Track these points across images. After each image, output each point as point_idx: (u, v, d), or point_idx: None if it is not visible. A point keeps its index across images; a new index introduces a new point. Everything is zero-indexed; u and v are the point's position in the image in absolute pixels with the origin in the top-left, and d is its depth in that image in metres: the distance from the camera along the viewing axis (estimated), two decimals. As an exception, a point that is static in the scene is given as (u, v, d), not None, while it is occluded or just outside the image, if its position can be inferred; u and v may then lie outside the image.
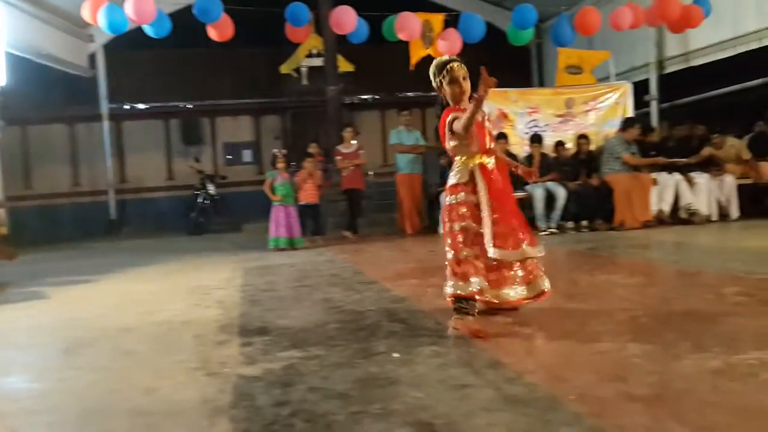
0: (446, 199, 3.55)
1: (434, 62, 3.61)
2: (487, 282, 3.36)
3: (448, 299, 3.41)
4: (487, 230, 3.33)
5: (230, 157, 16.06)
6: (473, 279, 3.29)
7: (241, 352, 3.12)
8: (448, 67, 3.49)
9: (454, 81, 3.47)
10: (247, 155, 16.09)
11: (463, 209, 3.40)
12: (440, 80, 3.53)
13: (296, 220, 8.41)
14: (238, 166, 15.86)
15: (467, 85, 3.50)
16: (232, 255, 8.13)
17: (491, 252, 3.32)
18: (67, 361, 3.28)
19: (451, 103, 3.52)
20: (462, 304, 3.31)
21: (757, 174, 8.94)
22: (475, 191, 3.42)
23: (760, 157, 9.17)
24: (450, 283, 3.39)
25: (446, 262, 3.45)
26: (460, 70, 3.49)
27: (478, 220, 3.38)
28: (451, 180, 3.52)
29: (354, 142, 9.61)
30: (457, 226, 3.40)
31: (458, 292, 3.32)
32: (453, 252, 3.40)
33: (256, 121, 16.27)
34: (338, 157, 9.49)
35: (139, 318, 4.21)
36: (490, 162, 3.48)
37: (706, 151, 8.97)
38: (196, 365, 2.95)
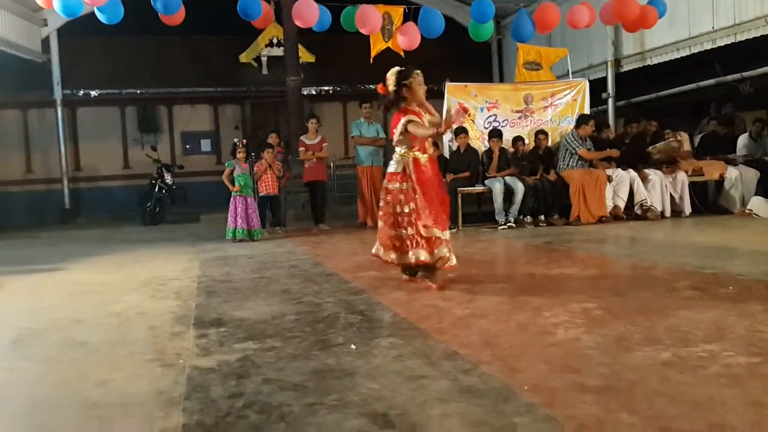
0: (385, 183, 4.46)
1: (399, 69, 4.37)
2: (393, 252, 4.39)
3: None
4: (424, 212, 4.24)
5: (188, 146, 15.85)
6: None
7: (196, 344, 3.08)
8: (417, 71, 4.32)
9: (421, 83, 4.32)
10: (205, 145, 15.90)
11: (398, 194, 4.32)
12: (410, 81, 4.30)
13: (255, 211, 8.33)
14: (196, 156, 15.66)
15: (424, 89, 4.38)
16: (189, 246, 8.02)
17: (422, 230, 4.22)
18: (17, 352, 3.20)
19: (407, 104, 4.35)
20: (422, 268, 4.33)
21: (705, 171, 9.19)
22: (405, 179, 4.32)
23: (710, 155, 9.42)
24: (383, 251, 4.48)
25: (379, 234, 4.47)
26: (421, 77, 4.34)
27: (406, 203, 4.30)
28: (390, 168, 4.44)
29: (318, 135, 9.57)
30: (390, 208, 4.36)
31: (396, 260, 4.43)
32: (388, 226, 4.38)
33: (215, 111, 16.07)
34: (301, 149, 9.41)
35: (93, 309, 4.13)
36: (422, 157, 4.35)
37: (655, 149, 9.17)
38: (151, 357, 2.91)
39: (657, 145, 9.14)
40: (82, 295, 4.76)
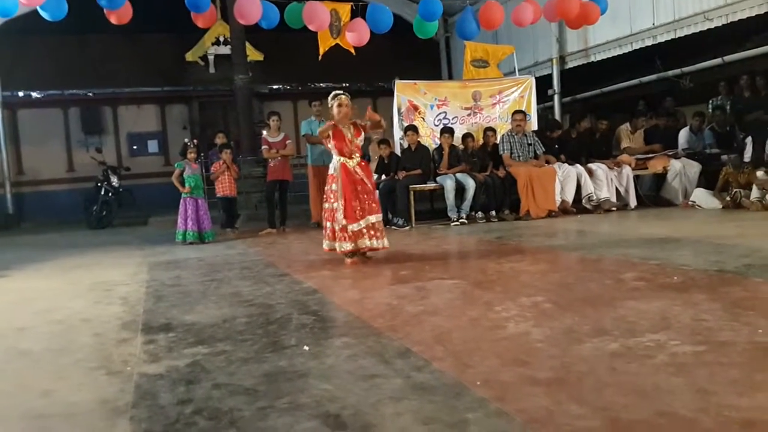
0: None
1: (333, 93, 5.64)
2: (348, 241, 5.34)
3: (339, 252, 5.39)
4: (340, 208, 5.31)
5: (135, 147, 15.52)
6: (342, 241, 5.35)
7: (144, 350, 3.01)
8: (337, 96, 5.54)
9: (341, 105, 5.51)
10: (152, 146, 15.59)
11: (329, 193, 5.45)
12: (330, 105, 5.59)
13: (206, 212, 8.20)
14: (143, 157, 15.35)
15: (344, 109, 5.52)
16: (137, 249, 7.86)
17: (341, 222, 5.29)
18: (-47, 365, 3.06)
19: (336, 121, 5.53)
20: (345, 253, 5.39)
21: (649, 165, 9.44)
22: (334, 180, 5.42)
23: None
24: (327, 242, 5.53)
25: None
26: (346, 100, 5.53)
27: (335, 200, 5.38)
28: (329, 171, 5.54)
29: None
30: (327, 204, 5.47)
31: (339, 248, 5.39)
32: (329, 222, 5.44)
33: (162, 111, 15.78)
34: (265, 147, 9.18)
35: (36, 316, 4.01)
36: (349, 162, 5.43)
37: (624, 158, 9.39)
38: (96, 365, 2.83)
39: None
40: (25, 302, 4.62)
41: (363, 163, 5.60)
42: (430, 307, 3.58)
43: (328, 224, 5.46)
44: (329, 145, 5.53)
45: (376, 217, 5.44)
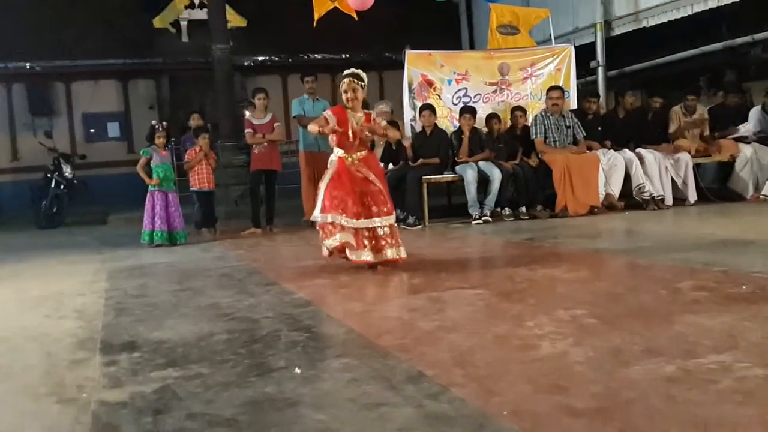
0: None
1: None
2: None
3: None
4: (319, 202, 5.35)
5: (92, 131, 15.57)
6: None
7: (103, 373, 3.02)
8: (348, 74, 5.46)
9: (349, 88, 5.43)
10: (113, 129, 15.66)
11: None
12: (340, 84, 5.55)
13: (178, 209, 8.22)
14: (101, 143, 15.43)
15: (359, 94, 5.47)
16: (95, 253, 7.90)
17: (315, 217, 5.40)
18: None
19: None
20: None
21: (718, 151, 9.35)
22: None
23: (719, 131, 9.61)
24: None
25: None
26: (354, 83, 5.44)
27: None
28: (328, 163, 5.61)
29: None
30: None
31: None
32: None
33: (124, 87, 15.84)
34: (248, 130, 9.13)
35: (-27, 334, 4.02)
36: (348, 158, 5.38)
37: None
38: (47, 391, 2.84)
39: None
40: (-40, 317, 4.64)
41: (369, 156, 5.59)
42: (447, 321, 3.58)
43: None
44: (330, 135, 5.50)
45: (385, 220, 5.35)
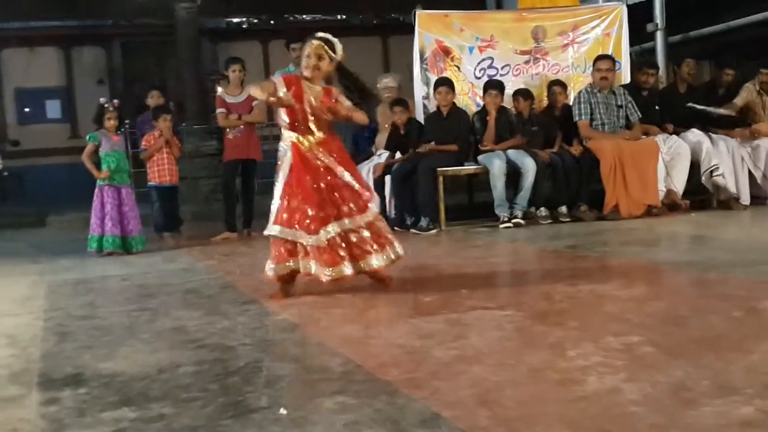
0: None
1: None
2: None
3: None
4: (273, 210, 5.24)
5: (26, 110, 15.62)
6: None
7: (42, 414, 3.03)
8: (312, 38, 5.23)
9: (311, 53, 5.20)
10: (52, 108, 15.71)
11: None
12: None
13: (133, 209, 8.24)
14: (38, 125, 15.52)
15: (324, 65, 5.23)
16: (31, 263, 7.94)
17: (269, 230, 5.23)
18: None
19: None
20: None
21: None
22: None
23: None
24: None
25: None
26: (322, 49, 5.20)
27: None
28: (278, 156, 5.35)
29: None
30: None
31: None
32: None
33: (67, 56, 15.90)
34: (221, 110, 9.08)
35: None
36: (305, 141, 5.15)
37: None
38: (-29, 436, 2.85)
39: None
40: None
41: (329, 139, 5.30)
42: (469, 350, 3.58)
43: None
44: (279, 109, 5.27)
45: (360, 219, 5.12)
